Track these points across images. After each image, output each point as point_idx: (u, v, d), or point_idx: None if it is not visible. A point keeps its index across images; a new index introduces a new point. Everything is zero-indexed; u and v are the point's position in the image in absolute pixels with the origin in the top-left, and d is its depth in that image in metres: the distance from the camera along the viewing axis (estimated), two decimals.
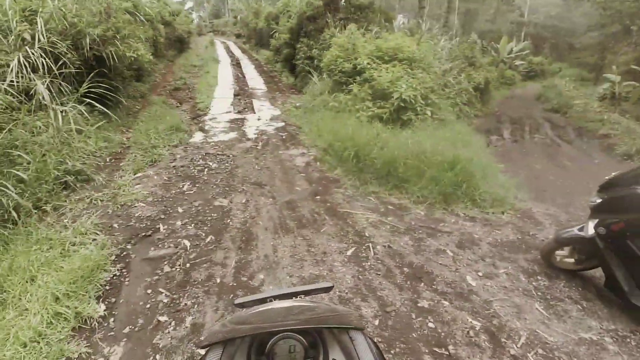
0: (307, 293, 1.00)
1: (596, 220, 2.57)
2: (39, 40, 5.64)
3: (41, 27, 5.70)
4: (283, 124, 7.40)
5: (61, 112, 5.34)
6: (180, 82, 12.48)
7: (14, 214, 3.39)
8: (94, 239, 3.31)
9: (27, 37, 5.65)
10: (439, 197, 4.08)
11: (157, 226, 3.60)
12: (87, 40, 6.50)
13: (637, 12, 20.43)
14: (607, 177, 2.63)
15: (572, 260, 2.90)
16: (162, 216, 3.78)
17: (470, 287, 2.85)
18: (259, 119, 7.76)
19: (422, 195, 4.13)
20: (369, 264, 3.10)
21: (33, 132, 4.95)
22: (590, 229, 2.60)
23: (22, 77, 5.22)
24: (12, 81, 4.90)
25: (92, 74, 6.27)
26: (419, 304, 2.65)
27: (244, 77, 13.80)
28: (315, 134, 6.14)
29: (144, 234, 3.47)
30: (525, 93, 17.33)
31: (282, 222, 3.68)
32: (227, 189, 4.42)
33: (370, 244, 3.35)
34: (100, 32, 6.73)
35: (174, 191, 4.36)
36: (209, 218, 3.73)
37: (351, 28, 8.40)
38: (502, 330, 2.43)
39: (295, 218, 3.77)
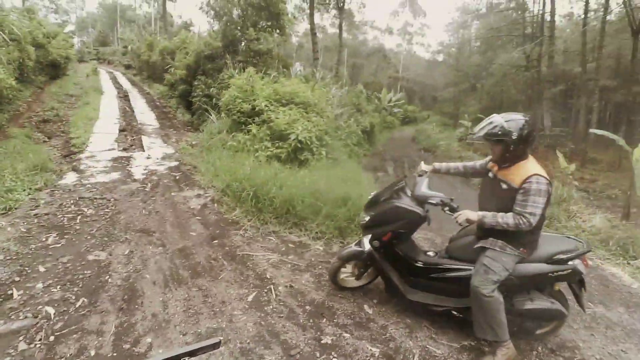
0: (192, 354, 0.91)
1: (369, 236, 2.91)
2: None
3: None
4: (177, 163, 6.93)
5: None
6: (50, 113, 10.77)
7: None
8: None
9: None
10: (336, 232, 4.28)
11: (9, 292, 2.87)
12: None
13: (480, 74, 26.24)
14: (369, 197, 3.05)
15: (354, 276, 3.20)
16: (17, 278, 3.03)
17: (368, 315, 2.98)
18: (148, 158, 7.11)
19: (320, 231, 4.27)
20: (271, 307, 3.00)
21: None
22: (367, 244, 2.94)
23: None
24: None
25: None
26: (322, 341, 2.65)
27: (133, 111, 12.66)
28: (213, 174, 5.89)
29: None
30: (403, 135, 20.13)
31: (173, 273, 3.33)
32: (105, 239, 3.82)
33: (272, 286, 3.27)
34: None
35: (34, 246, 3.58)
36: (81, 276, 3.14)
37: (250, 71, 8.61)
38: (398, 352, 2.58)
39: (190, 267, 3.46)
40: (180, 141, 8.84)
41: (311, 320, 2.87)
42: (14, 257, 3.34)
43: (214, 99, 10.35)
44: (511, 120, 2.23)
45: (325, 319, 2.89)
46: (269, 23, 13.29)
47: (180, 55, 15.69)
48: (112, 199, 4.90)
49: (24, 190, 4.86)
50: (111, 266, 3.33)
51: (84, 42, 43.91)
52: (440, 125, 23.62)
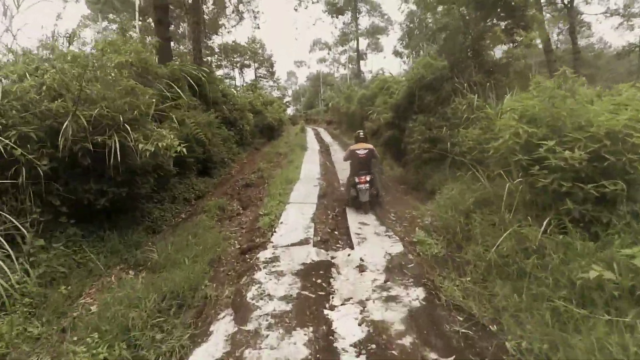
0: None
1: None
2: None
3: None
4: (424, 296, 2.88)
5: None
6: (255, 175, 9.40)
7: None
8: None
9: None
10: None
11: None
12: (71, 128, 3.42)
13: None
14: None
15: None
16: None
17: None
18: (361, 271, 3.40)
19: None
20: None
21: None
22: None
23: None
24: None
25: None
26: None
27: (334, 166, 10.23)
28: None
29: None
30: None
31: None
32: None
33: None
34: (96, 113, 3.65)
35: None
36: None
37: (563, 76, 4.00)
38: None
39: None
40: (403, 218, 5.02)
41: None
42: None
43: (449, 144, 6.26)
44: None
45: None
46: (506, 23, 8.49)
47: (381, 99, 12.95)
48: None
49: None
50: None
51: (297, 109, 51.27)
52: None
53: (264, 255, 3.88)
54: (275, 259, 3.76)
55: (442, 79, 7.49)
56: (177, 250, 4.01)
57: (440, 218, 4.50)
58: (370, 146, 5.81)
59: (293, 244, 4.14)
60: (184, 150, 4.25)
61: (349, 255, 3.76)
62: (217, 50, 35.31)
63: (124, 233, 4.61)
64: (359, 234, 4.41)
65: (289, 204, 6.09)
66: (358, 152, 5.65)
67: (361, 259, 3.62)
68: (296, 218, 5.24)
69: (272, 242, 4.25)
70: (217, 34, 26.34)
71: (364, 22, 35.53)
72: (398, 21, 30.67)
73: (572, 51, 19.75)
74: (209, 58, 31.65)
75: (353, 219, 5.13)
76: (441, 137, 6.87)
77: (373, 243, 4.10)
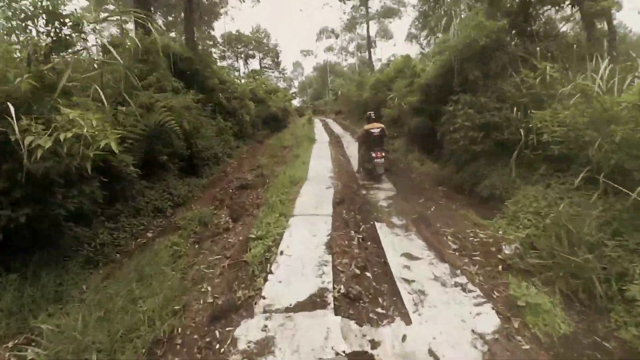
0: None
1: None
2: None
3: None
4: None
5: None
6: (254, 173, 7.68)
7: None
8: None
9: None
10: None
11: None
12: None
13: None
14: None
15: None
16: None
17: None
18: None
19: None
20: None
21: None
22: None
23: None
24: None
25: None
26: None
27: (349, 161, 8.44)
28: None
29: None
30: None
31: None
32: None
33: None
34: None
35: None
36: None
37: None
38: None
39: None
40: (468, 244, 3.22)
41: None
42: None
43: (521, 132, 4.39)
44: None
45: None
46: None
47: (401, 82, 11.04)
48: None
49: None
50: None
51: (304, 100, 49.16)
52: None
53: (245, 331, 2.15)
54: (265, 343, 2.02)
55: (498, 44, 5.56)
56: (98, 319, 2.31)
57: (541, 253, 2.70)
58: (382, 125, 6.39)
59: (298, 305, 2.39)
60: (114, 145, 2.50)
61: (403, 339, 2.00)
62: (220, 40, 33.40)
63: (40, 275, 2.94)
64: (409, 281, 2.64)
65: (293, 218, 4.35)
66: (372, 131, 6.21)
67: (431, 353, 1.85)
68: (304, 244, 3.50)
69: (263, 298, 2.52)
70: (217, 20, 24.44)
71: (375, 4, 33.06)
72: (411, 2, 28.23)
73: (608, 32, 17.33)
74: (212, 49, 29.83)
75: (390, 243, 3.34)
76: (499, 122, 5.00)
77: (440, 303, 2.32)
